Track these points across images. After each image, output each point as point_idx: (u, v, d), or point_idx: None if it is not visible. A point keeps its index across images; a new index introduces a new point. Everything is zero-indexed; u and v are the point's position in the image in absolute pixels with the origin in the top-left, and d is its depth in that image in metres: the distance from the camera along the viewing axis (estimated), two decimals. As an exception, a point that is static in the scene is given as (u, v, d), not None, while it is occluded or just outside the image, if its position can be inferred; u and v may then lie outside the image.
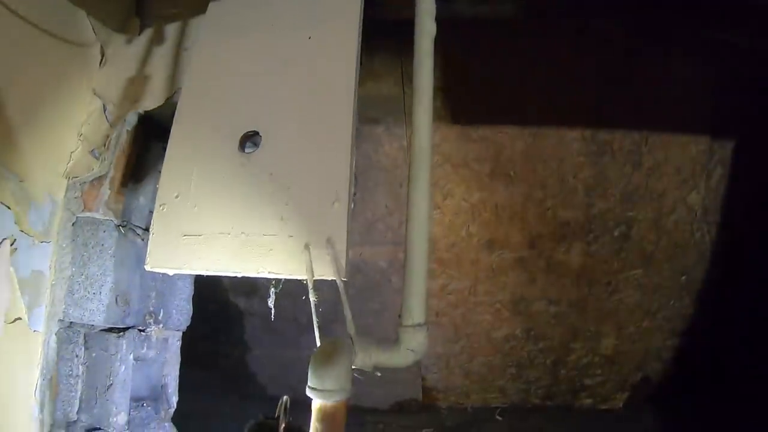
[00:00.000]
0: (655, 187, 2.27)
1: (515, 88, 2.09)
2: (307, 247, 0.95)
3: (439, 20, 1.17)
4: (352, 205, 1.03)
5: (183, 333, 1.69)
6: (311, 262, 0.94)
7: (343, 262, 0.94)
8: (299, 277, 0.95)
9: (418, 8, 1.17)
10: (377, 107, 2.14)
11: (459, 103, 2.09)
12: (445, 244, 2.26)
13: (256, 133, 1.12)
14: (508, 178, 2.17)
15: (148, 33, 1.56)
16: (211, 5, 1.36)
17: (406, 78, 2.04)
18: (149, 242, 1.05)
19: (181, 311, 1.68)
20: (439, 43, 1.18)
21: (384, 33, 1.99)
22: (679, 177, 2.29)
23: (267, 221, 1.00)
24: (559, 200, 2.20)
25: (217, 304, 2.52)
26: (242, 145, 1.11)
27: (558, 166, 2.16)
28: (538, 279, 2.33)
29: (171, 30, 1.53)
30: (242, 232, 1.01)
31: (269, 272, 0.97)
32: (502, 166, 2.15)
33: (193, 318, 1.72)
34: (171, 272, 1.05)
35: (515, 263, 2.29)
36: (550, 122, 2.11)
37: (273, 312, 1.23)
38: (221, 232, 1.02)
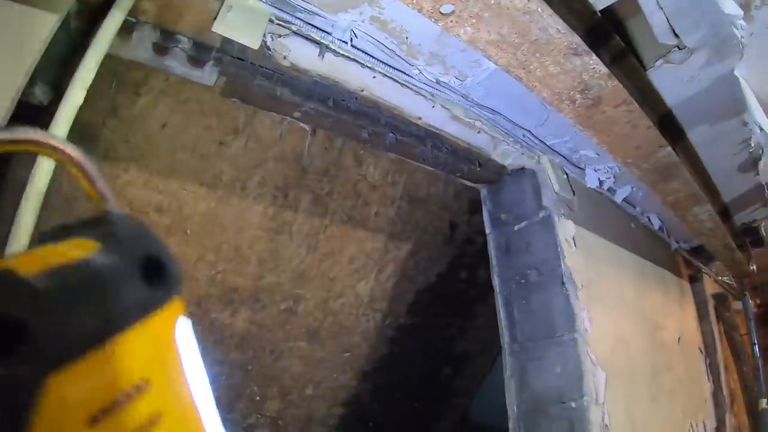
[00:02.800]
0: (327, 271, 2.55)
1: (211, 153, 2.20)
2: None
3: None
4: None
5: None
6: None
7: None
8: None
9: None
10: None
11: (148, 154, 2.11)
12: (105, 287, 2.19)
13: None
14: (184, 235, 2.22)
15: None
16: None
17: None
18: None
19: None
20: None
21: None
22: (352, 266, 2.62)
23: None
24: (231, 267, 2.32)
25: None
26: None
27: (235, 234, 2.29)
28: (202, 338, 2.38)
29: None
30: None
31: None
32: (180, 223, 2.21)
33: None
34: None
35: (178, 319, 2.31)
36: (237, 193, 2.25)
37: None
38: None
